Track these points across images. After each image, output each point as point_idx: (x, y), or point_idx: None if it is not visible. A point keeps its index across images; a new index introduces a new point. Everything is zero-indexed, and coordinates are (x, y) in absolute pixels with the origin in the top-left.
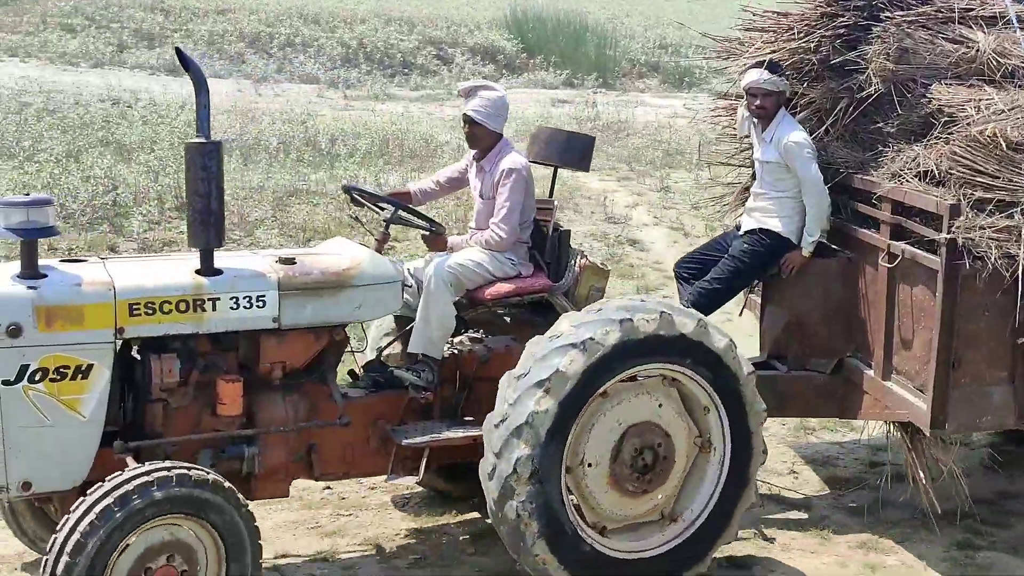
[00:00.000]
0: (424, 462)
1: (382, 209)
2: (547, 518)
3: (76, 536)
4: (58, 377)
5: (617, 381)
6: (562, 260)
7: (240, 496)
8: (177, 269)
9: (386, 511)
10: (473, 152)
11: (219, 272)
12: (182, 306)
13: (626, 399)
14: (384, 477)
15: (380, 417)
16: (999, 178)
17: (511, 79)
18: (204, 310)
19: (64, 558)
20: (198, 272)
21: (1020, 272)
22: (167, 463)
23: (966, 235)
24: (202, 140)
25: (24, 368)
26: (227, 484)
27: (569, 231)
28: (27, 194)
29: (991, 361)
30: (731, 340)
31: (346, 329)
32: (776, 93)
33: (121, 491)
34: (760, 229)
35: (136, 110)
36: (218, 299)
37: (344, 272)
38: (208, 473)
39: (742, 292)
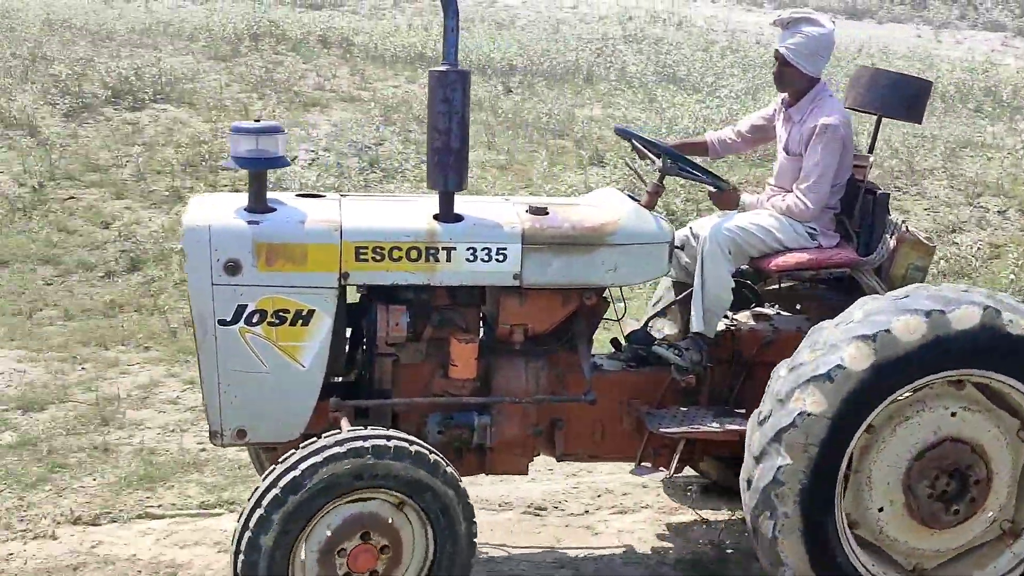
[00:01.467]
0: (678, 455)
1: (658, 157)
2: (811, 542)
3: (275, 491)
4: (277, 321)
5: (928, 385)
6: (875, 230)
7: (461, 484)
8: (413, 213)
9: (642, 500)
10: (782, 97)
11: (458, 219)
12: (413, 254)
13: (936, 408)
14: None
15: (635, 396)
16: None
17: None
18: (437, 260)
19: (259, 511)
20: (435, 217)
21: None
22: (385, 431)
23: None
24: (445, 68)
25: (241, 308)
26: (449, 468)
27: (888, 195)
28: (257, 120)
29: None
30: None
31: (606, 293)
32: None
33: (331, 452)
34: None
35: None
36: (453, 249)
37: (600, 228)
38: (431, 452)
39: None
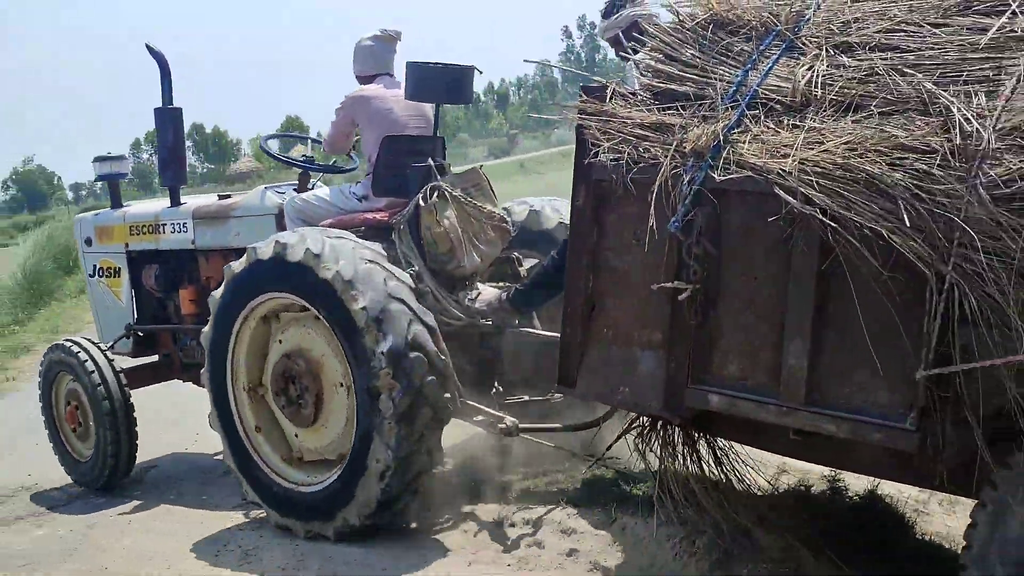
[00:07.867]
0: None
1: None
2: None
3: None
4: (108, 275)
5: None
6: (412, 198)
7: (65, 354)
8: (161, 205)
9: None
10: None
11: (180, 205)
12: (148, 229)
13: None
14: None
15: None
16: None
17: None
18: (160, 233)
19: None
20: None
21: None
22: (72, 338)
23: None
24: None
25: (95, 267)
26: (84, 353)
27: (431, 166)
28: (109, 153)
29: None
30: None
31: None
32: None
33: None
34: None
35: None
36: (165, 225)
37: (228, 206)
38: (78, 346)
39: None
